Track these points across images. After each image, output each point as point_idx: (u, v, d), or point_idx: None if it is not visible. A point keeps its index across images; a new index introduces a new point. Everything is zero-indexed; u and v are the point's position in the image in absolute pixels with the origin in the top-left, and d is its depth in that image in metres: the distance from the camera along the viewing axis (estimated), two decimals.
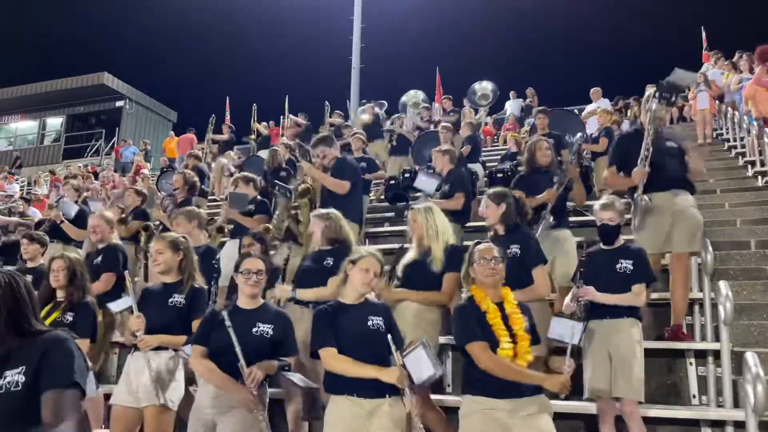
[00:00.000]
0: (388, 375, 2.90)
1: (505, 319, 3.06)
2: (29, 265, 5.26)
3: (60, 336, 1.93)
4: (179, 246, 3.86)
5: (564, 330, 3.36)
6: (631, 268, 3.79)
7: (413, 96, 13.35)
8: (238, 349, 3.10)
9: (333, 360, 2.98)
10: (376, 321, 3.10)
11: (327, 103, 13.87)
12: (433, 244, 3.97)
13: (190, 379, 3.76)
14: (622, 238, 4.02)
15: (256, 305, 3.38)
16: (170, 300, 3.72)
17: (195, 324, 3.56)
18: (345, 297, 3.20)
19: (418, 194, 6.68)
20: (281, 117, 14.12)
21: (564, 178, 4.98)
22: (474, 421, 2.98)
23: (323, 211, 4.46)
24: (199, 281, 3.89)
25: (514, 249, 4.01)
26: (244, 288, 3.35)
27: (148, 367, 3.55)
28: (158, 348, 3.64)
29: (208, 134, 14.15)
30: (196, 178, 7.39)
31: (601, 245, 4.03)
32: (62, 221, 6.48)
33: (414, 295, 3.90)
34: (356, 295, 3.18)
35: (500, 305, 3.12)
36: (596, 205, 4.12)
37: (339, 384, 2.99)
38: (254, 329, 3.26)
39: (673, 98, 4.76)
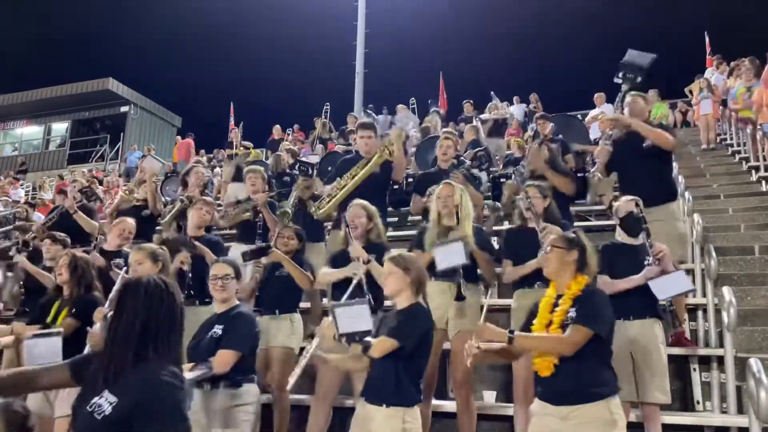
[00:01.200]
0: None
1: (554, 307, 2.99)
2: (49, 265, 5.28)
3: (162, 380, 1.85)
4: (158, 257, 3.90)
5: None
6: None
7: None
8: None
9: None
10: None
11: (327, 106, 13.91)
12: (465, 222, 4.02)
13: None
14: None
15: (222, 310, 3.43)
16: None
17: None
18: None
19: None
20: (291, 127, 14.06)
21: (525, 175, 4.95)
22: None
23: (372, 208, 4.30)
24: None
25: None
26: (213, 292, 3.45)
27: None
28: None
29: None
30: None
31: (622, 240, 4.00)
32: (75, 211, 6.46)
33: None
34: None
35: (560, 297, 3.01)
36: (621, 200, 4.12)
37: None
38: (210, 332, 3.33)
39: (638, 78, 4.77)
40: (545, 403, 2.89)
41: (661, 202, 4.65)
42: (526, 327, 3.05)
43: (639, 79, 4.78)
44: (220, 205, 9.44)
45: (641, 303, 3.69)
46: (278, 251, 4.36)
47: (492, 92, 14.26)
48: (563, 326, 2.86)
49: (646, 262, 3.78)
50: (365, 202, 4.34)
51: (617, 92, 5.06)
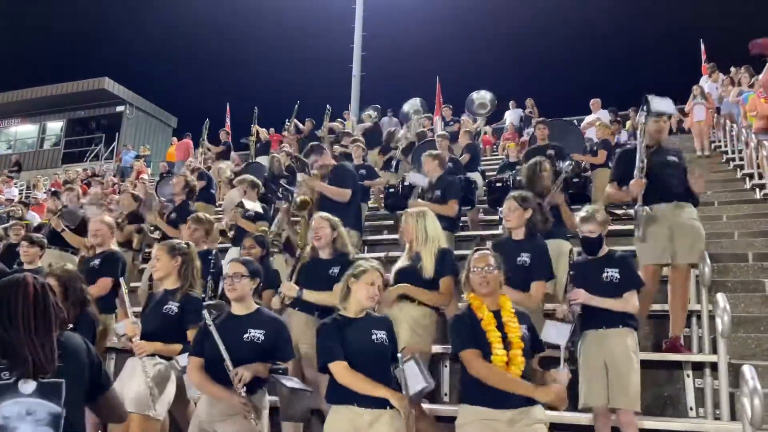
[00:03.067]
0: (397, 399, 2.90)
1: (500, 326, 3.05)
2: (27, 267, 5.24)
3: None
4: (177, 251, 3.86)
5: (553, 332, 3.43)
6: (618, 276, 3.81)
7: (413, 104, 13.52)
8: (225, 355, 3.10)
9: (347, 374, 2.96)
10: (379, 335, 3.10)
11: (328, 107, 13.92)
12: (423, 250, 4.00)
13: None
14: (606, 248, 4.03)
15: (248, 311, 3.36)
16: (165, 307, 3.73)
17: (190, 333, 3.57)
18: (347, 310, 3.18)
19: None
20: (285, 121, 14.11)
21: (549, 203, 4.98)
22: (470, 431, 2.98)
23: (334, 218, 4.43)
24: (198, 289, 3.89)
25: (524, 257, 4.07)
26: (226, 292, 3.39)
27: (144, 374, 3.51)
28: (153, 355, 3.63)
29: (203, 140, 14.09)
30: (196, 183, 7.37)
31: (587, 255, 4.05)
32: (63, 230, 6.46)
33: (413, 291, 3.92)
34: (359, 308, 3.17)
35: (497, 313, 3.11)
36: (577, 218, 4.14)
37: (341, 394, 2.99)
38: (245, 335, 3.23)
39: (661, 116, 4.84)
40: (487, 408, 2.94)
41: (695, 205, 4.75)
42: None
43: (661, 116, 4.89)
44: (219, 205, 9.45)
45: (614, 313, 3.74)
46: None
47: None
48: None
49: (604, 275, 3.84)
50: (327, 214, 4.48)
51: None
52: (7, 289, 2.05)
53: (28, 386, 1.97)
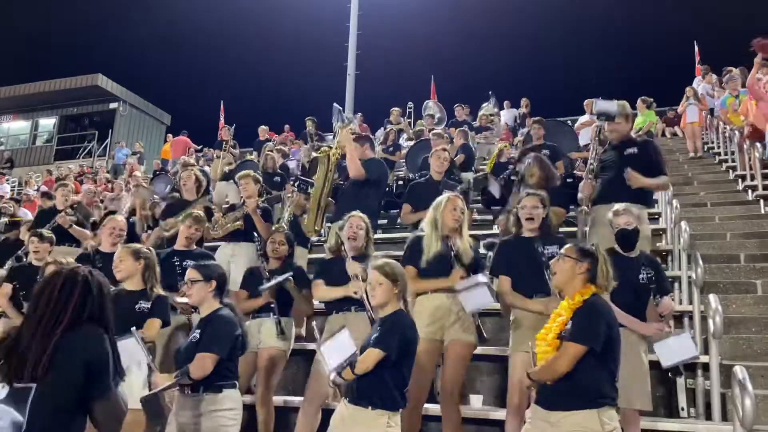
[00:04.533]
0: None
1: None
2: (36, 263, 5.21)
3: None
4: (140, 255, 4.00)
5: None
6: (654, 278, 3.83)
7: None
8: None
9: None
10: None
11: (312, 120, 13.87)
12: (465, 235, 4.04)
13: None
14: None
15: (204, 314, 3.41)
16: (137, 306, 3.87)
17: (151, 322, 3.80)
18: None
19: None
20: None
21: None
22: None
23: (368, 221, 4.39)
24: (160, 291, 4.02)
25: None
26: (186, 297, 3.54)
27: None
28: None
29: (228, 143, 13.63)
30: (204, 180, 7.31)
31: (621, 251, 3.93)
32: (71, 226, 6.42)
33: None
34: None
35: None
36: (610, 213, 4.11)
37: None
38: (192, 335, 3.36)
39: (614, 118, 4.91)
40: (538, 407, 2.91)
41: (643, 204, 4.68)
42: None
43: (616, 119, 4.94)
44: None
45: (624, 311, 3.69)
46: (294, 286, 4.44)
47: (490, 92, 14.34)
48: (560, 338, 2.87)
49: (640, 276, 3.82)
50: (363, 215, 4.39)
51: (605, 98, 5.12)
52: (42, 283, 2.09)
53: (3, 391, 1.93)
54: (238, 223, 5.59)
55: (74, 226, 6.45)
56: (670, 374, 4.09)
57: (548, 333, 2.95)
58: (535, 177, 5.01)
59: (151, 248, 4.23)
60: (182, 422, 3.22)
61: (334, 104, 6.43)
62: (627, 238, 3.92)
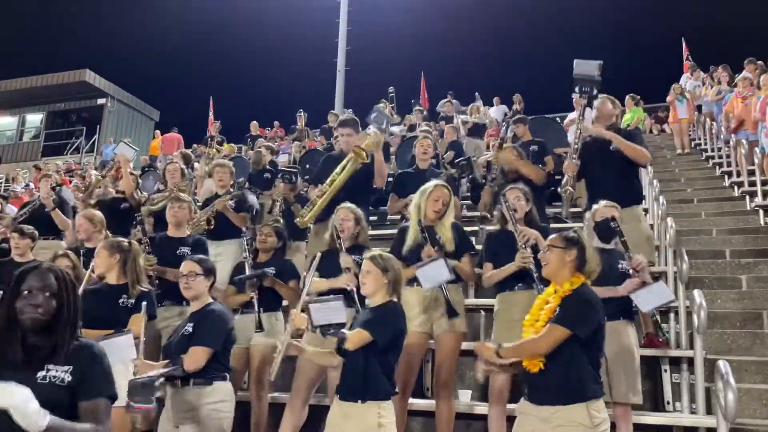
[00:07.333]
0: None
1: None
2: (18, 260, 5.11)
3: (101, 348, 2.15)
4: (116, 249, 3.89)
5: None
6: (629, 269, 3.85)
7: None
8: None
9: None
10: None
11: (301, 111, 13.81)
12: (446, 221, 4.05)
13: None
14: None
15: (196, 308, 3.42)
16: (120, 301, 3.77)
17: (135, 318, 3.58)
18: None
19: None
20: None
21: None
22: None
23: (359, 211, 4.36)
24: (145, 285, 3.94)
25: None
26: (182, 291, 3.46)
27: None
28: None
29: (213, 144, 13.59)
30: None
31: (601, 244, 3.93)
32: (53, 208, 6.34)
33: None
34: None
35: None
36: (592, 210, 4.15)
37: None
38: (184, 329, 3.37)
39: (594, 90, 4.88)
40: (527, 402, 2.92)
41: (627, 205, 4.65)
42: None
43: (595, 91, 4.89)
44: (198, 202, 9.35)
45: (614, 305, 3.71)
46: (272, 277, 4.39)
47: (476, 93, 14.42)
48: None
49: (619, 266, 3.84)
50: (353, 206, 4.36)
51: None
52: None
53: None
54: (210, 224, 5.53)
55: (57, 209, 6.34)
56: (652, 317, 4.31)
57: (537, 320, 2.95)
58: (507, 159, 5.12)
59: (132, 241, 4.14)
60: (174, 415, 3.23)
61: (381, 103, 6.26)
62: (604, 230, 3.97)
